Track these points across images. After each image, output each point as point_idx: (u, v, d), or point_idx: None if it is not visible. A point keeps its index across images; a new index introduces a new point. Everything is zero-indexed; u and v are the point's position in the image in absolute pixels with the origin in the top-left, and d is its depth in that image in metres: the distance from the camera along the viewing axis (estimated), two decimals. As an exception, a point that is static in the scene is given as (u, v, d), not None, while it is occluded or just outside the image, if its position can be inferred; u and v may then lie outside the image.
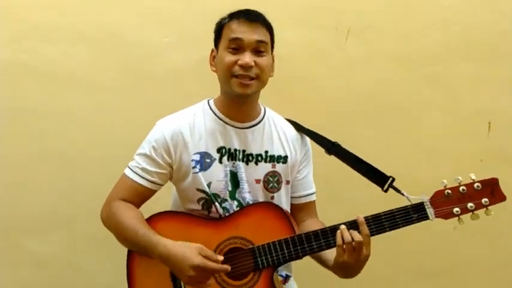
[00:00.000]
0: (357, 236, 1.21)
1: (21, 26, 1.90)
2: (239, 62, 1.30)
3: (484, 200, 1.23)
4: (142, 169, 1.36)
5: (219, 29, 1.39)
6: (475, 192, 1.24)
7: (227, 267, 1.22)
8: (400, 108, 1.98)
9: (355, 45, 1.95)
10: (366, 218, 1.25)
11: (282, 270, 1.38)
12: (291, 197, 1.45)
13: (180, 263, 1.20)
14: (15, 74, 1.90)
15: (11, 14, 1.90)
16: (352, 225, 1.25)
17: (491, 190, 1.24)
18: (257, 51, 1.32)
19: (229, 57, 1.32)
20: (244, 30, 1.31)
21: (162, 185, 1.40)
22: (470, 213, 1.24)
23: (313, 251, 1.28)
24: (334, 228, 1.26)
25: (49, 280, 1.92)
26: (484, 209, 1.23)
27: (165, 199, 1.48)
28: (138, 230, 1.27)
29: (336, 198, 1.91)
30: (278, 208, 1.35)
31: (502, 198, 1.23)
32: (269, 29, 1.37)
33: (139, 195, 1.37)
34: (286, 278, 1.40)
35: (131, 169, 1.37)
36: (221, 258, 1.21)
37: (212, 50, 1.41)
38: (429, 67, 1.97)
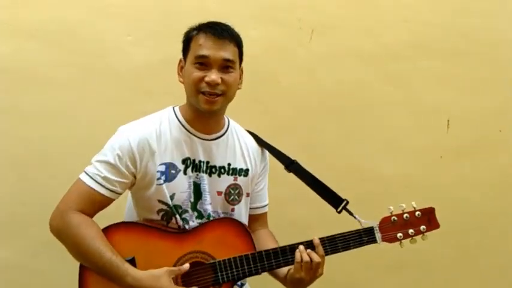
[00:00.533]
0: (316, 257, 1.31)
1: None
2: (206, 79, 1.30)
3: (422, 227, 1.40)
4: (104, 178, 1.30)
5: (187, 40, 1.37)
6: (416, 219, 1.40)
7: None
8: (361, 105, 2.03)
9: (319, 44, 1.98)
10: (322, 239, 1.35)
11: (239, 279, 1.44)
12: None
13: None
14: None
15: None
16: (309, 245, 1.34)
17: (428, 218, 1.41)
18: (224, 67, 1.33)
19: (196, 73, 1.31)
20: (210, 47, 1.31)
21: (121, 194, 1.35)
22: (410, 238, 1.40)
23: (272, 268, 1.35)
24: (293, 248, 1.34)
25: (5, 286, 1.79)
26: (421, 234, 1.41)
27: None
28: (103, 254, 1.24)
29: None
30: (240, 225, 1.39)
31: (436, 226, 1.41)
32: (237, 43, 1.37)
33: (97, 204, 1.32)
34: (242, 286, 1.47)
35: (90, 176, 1.30)
36: (187, 266, 1.26)
37: (180, 60, 1.40)
38: (390, 65, 2.03)
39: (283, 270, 1.39)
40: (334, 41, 2.00)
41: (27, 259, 1.82)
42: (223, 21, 1.38)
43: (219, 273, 1.33)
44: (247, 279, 1.50)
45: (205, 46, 1.31)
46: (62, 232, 1.28)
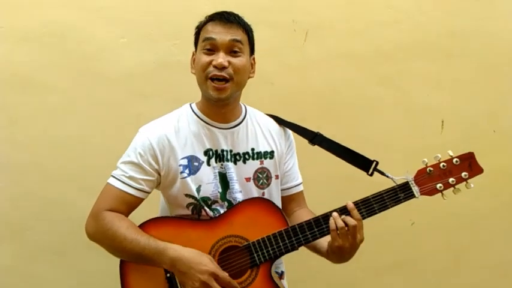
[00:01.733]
0: (351, 221, 1.24)
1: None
2: (213, 63, 1.31)
3: (464, 174, 1.29)
4: (129, 177, 1.33)
5: (197, 31, 1.40)
6: (455, 167, 1.30)
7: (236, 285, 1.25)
8: (355, 107, 2.01)
9: (313, 46, 1.98)
10: (356, 203, 1.28)
11: (278, 267, 1.39)
12: (281, 190, 1.47)
13: (193, 267, 1.21)
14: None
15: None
16: (343, 211, 1.27)
17: (469, 163, 1.30)
18: (232, 52, 1.33)
19: (204, 58, 1.33)
20: (218, 31, 1.33)
21: (149, 193, 1.38)
22: (452, 187, 1.29)
23: (308, 241, 1.30)
24: (327, 216, 1.29)
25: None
26: (464, 182, 1.29)
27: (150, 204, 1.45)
28: (139, 239, 1.25)
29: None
30: (268, 202, 1.36)
31: (480, 170, 1.30)
32: (246, 29, 1.38)
33: (127, 205, 1.34)
34: (282, 274, 1.42)
35: (117, 178, 1.34)
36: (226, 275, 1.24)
37: (193, 53, 1.42)
38: (384, 67, 2.02)
39: (324, 244, 1.32)
40: (328, 43, 2.00)
41: (21, 263, 1.83)
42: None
43: (255, 254, 1.29)
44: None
45: (213, 30, 1.34)
46: (97, 233, 1.31)
